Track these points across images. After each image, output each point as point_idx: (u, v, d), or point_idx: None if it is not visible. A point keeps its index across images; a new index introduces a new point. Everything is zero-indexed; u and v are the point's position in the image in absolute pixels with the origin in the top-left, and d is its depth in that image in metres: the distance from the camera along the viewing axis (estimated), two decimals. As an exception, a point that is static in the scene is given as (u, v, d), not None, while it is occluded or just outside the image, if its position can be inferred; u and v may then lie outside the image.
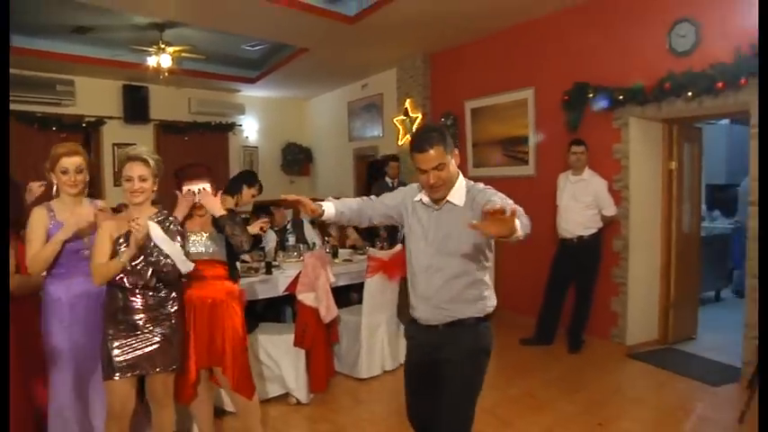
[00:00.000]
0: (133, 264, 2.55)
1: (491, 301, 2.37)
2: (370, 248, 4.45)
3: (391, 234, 5.29)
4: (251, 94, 9.53)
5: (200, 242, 2.95)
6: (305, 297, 3.94)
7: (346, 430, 3.65)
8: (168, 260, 2.59)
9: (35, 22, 6.00)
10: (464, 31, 6.27)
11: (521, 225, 1.91)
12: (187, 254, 2.71)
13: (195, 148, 8.69)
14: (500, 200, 2.14)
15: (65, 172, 2.69)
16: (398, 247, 4.53)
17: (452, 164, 2.25)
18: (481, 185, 2.32)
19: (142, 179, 2.59)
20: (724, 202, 8.23)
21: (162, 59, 6.58)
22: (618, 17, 4.98)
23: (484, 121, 6.54)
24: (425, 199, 2.34)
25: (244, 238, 2.95)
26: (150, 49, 6.55)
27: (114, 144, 7.98)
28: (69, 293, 2.71)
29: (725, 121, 7.78)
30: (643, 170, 5.06)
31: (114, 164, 7.73)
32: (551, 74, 5.59)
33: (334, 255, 4.96)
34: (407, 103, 7.47)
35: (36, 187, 3.23)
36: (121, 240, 2.56)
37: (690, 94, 4.30)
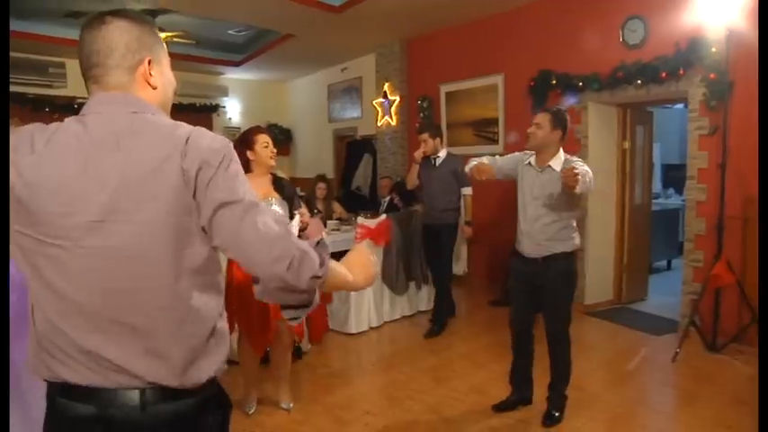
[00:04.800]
0: None
1: (577, 240, 3.18)
2: (359, 217, 4.95)
3: (373, 206, 5.80)
4: (234, 76, 9.87)
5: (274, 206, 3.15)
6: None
7: (340, 374, 4.21)
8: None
9: (29, 6, 6.23)
10: (439, 19, 6.73)
11: (581, 184, 2.73)
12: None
13: (181, 128, 8.99)
14: (580, 165, 2.91)
15: None
16: (383, 216, 5.05)
17: (551, 137, 3.04)
18: (575, 158, 3.10)
19: None
20: (677, 181, 8.83)
21: (154, 44, 6.88)
22: (578, 12, 5.51)
23: (457, 104, 7.06)
24: (533, 161, 3.12)
25: None
26: (142, 34, 6.84)
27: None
28: None
29: (679, 106, 8.40)
30: (600, 149, 5.65)
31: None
32: (519, 61, 6.12)
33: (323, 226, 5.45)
34: (386, 87, 7.92)
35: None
36: None
37: (639, 82, 4.90)
